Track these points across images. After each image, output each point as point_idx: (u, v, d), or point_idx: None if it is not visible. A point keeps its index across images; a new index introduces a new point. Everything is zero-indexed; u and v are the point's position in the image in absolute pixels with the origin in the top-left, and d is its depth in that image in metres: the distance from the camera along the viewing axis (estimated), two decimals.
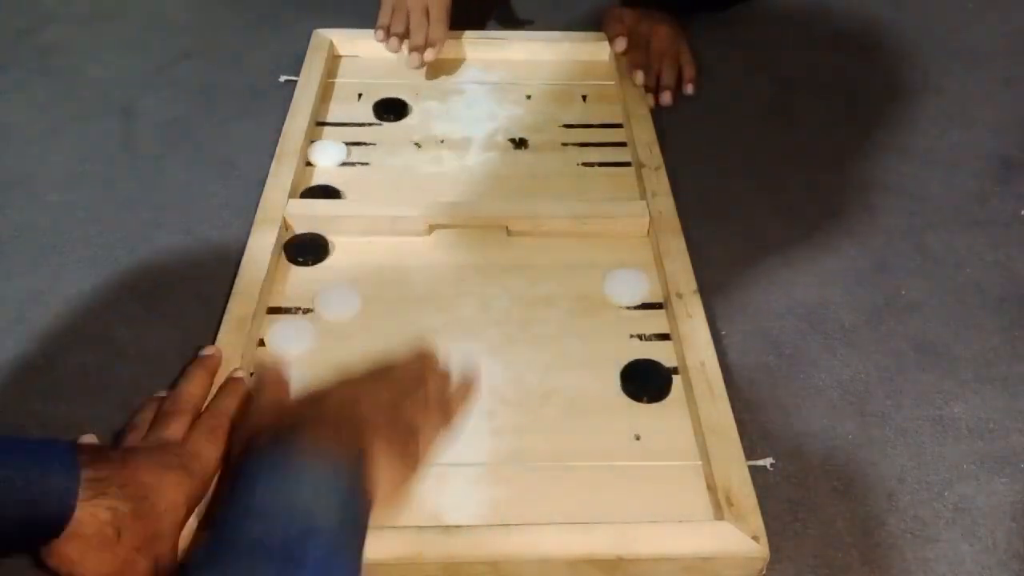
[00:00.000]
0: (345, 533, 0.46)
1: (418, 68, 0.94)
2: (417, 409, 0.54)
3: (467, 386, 0.59)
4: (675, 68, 0.96)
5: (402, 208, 0.77)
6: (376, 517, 0.49)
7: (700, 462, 0.60)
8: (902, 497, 0.60)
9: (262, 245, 0.73)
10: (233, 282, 0.70)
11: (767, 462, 0.61)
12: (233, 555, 0.43)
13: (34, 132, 0.89)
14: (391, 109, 0.91)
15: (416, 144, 0.88)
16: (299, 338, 0.68)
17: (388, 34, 0.95)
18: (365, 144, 0.87)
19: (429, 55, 0.93)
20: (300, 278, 0.73)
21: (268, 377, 0.57)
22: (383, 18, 0.96)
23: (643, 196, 0.80)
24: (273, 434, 0.49)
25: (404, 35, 0.94)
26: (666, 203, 0.78)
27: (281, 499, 0.45)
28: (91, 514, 0.48)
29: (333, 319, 0.69)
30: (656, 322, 0.70)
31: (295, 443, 0.48)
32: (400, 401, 0.54)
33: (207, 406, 0.60)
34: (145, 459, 0.52)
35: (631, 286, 0.73)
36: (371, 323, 0.69)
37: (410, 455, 0.52)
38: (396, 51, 0.94)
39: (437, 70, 0.96)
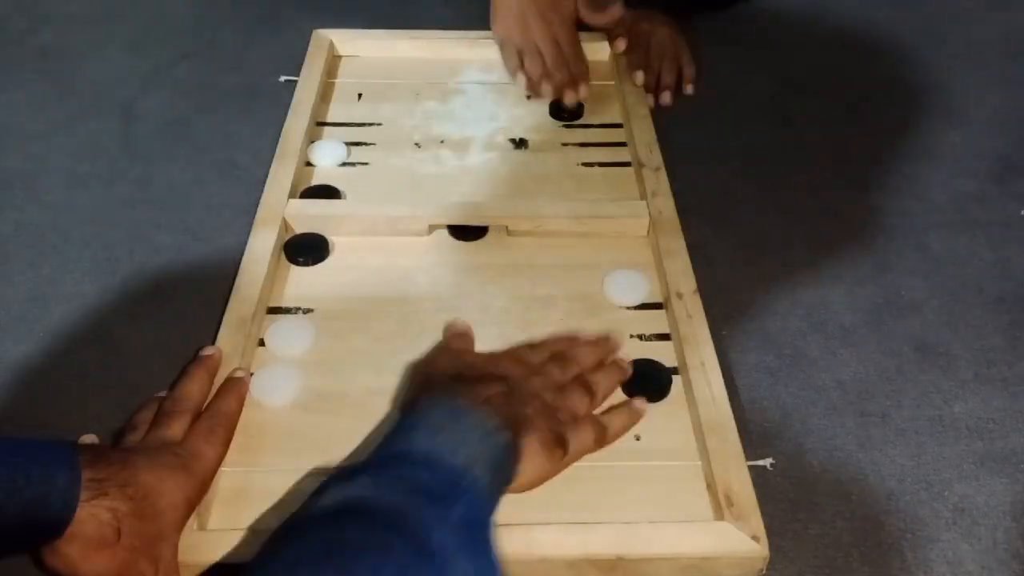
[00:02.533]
0: (493, 482, 0.49)
1: (573, 104, 0.90)
2: (575, 418, 0.58)
3: (631, 415, 0.61)
4: (675, 68, 0.96)
5: (402, 208, 0.77)
6: (511, 489, 0.53)
7: (700, 462, 0.60)
8: (902, 497, 0.61)
9: (262, 245, 0.73)
10: (233, 282, 0.70)
11: (767, 462, 0.61)
12: (399, 470, 0.46)
13: (34, 132, 0.90)
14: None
15: (416, 144, 0.88)
16: (300, 337, 0.68)
17: (530, 81, 0.91)
18: (365, 144, 0.87)
19: (584, 91, 0.90)
20: (300, 278, 0.73)
21: (458, 327, 0.66)
22: (511, 61, 0.92)
23: (643, 196, 0.80)
24: (453, 378, 0.56)
25: (544, 74, 0.90)
26: (666, 203, 0.78)
27: (450, 435, 0.49)
28: (91, 514, 0.48)
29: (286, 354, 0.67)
30: (656, 322, 0.70)
31: (471, 394, 0.53)
32: (562, 404, 0.58)
33: (207, 406, 0.60)
34: (145, 459, 0.52)
35: (631, 286, 0.73)
36: (371, 323, 0.69)
37: (554, 458, 0.55)
38: (552, 98, 0.90)
39: (438, 70, 0.96)
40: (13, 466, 0.46)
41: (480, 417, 0.51)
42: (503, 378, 0.57)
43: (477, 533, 0.46)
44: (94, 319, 0.71)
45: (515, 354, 0.62)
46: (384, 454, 0.50)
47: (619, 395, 0.64)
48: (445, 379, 0.58)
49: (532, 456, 0.53)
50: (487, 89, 0.95)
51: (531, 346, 0.63)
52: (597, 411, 0.61)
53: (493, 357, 0.61)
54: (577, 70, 0.91)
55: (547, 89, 0.90)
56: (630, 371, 0.64)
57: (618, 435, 0.60)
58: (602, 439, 0.58)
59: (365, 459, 0.49)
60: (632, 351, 0.68)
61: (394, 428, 0.52)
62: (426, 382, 0.59)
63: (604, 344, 0.65)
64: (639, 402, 0.61)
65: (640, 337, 0.69)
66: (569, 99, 0.90)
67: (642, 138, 0.86)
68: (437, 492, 0.45)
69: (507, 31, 0.93)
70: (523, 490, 0.54)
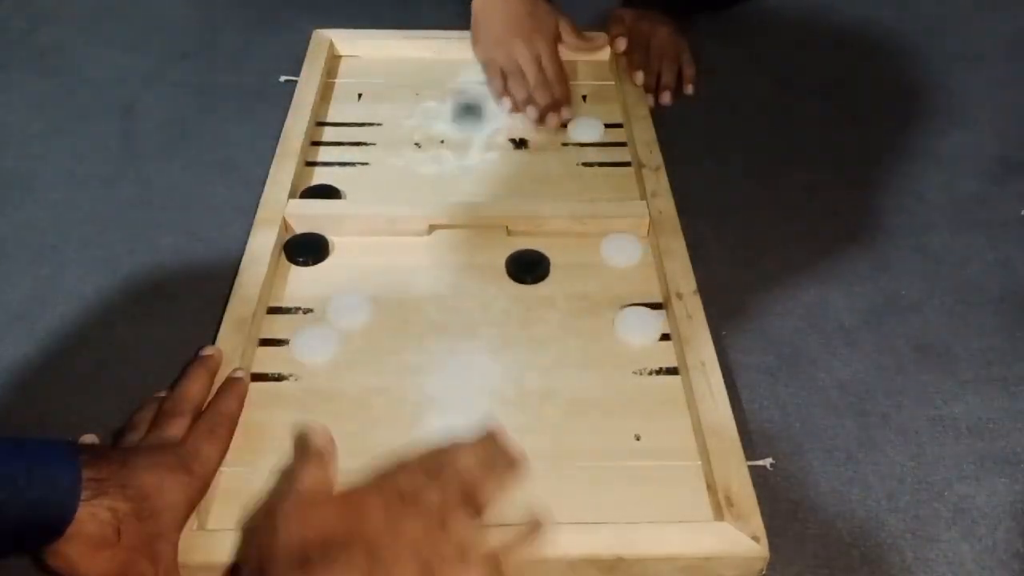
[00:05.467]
0: None
1: (555, 128, 0.89)
2: (462, 554, 0.46)
3: (532, 534, 0.50)
4: (675, 68, 0.96)
5: (402, 208, 0.77)
6: None
7: (700, 462, 0.60)
8: (902, 497, 0.61)
9: (262, 245, 0.73)
10: (233, 282, 0.70)
11: (767, 462, 0.61)
12: None
13: (34, 132, 0.90)
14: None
15: (416, 144, 0.88)
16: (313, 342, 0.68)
17: (517, 102, 0.90)
18: (365, 144, 0.87)
19: (566, 115, 0.89)
20: (300, 278, 0.73)
21: (316, 444, 0.51)
22: (496, 84, 0.92)
23: (643, 196, 0.80)
24: (297, 565, 0.44)
25: (527, 99, 0.90)
26: (666, 203, 0.78)
27: None
28: (91, 514, 0.48)
29: (345, 327, 0.69)
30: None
31: None
32: (442, 548, 0.46)
33: (207, 406, 0.60)
34: (145, 459, 0.52)
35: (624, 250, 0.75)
36: (370, 323, 0.69)
37: None
38: (538, 122, 0.89)
39: (438, 70, 0.96)
40: (14, 466, 0.46)
41: None
42: (364, 540, 0.45)
43: None
44: (94, 319, 0.71)
45: (386, 484, 0.49)
46: None
47: None
48: (287, 560, 0.45)
49: None
50: (487, 89, 0.95)
51: (403, 467, 0.50)
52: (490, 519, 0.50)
53: (353, 505, 0.47)
54: (560, 93, 0.90)
55: (532, 113, 0.89)
56: (521, 463, 0.52)
57: (517, 567, 0.49)
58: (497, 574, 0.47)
59: None
60: (632, 351, 0.68)
61: None
62: (264, 563, 0.46)
63: (487, 442, 0.52)
64: (541, 520, 0.51)
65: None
66: (551, 123, 0.89)
67: (642, 138, 0.86)
68: None
69: (490, 53, 0.93)
70: None
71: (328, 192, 0.80)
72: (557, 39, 0.94)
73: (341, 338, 0.68)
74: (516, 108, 0.91)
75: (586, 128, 0.88)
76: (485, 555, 0.47)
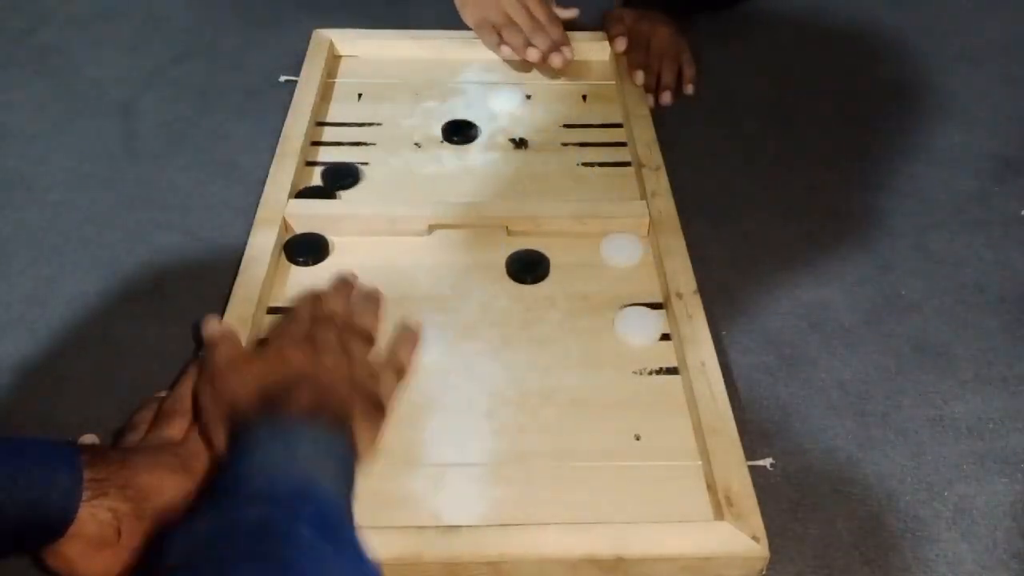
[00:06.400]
0: (344, 486, 0.48)
1: (562, 67, 0.92)
2: (367, 368, 0.57)
3: (409, 337, 0.62)
4: (675, 68, 0.96)
5: (402, 208, 0.77)
6: (361, 468, 0.51)
7: (700, 462, 0.60)
8: (902, 497, 0.61)
9: (262, 245, 0.73)
10: (233, 282, 0.70)
11: (767, 462, 0.61)
12: (237, 503, 0.44)
13: (34, 132, 0.90)
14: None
15: (416, 144, 0.88)
16: None
17: (515, 47, 0.92)
18: (365, 144, 0.87)
19: (568, 53, 0.92)
20: (300, 278, 0.73)
21: (215, 329, 0.58)
22: (491, 38, 0.94)
23: (643, 196, 0.80)
24: (260, 398, 0.52)
25: (526, 42, 0.92)
26: (666, 203, 0.78)
27: (282, 460, 0.47)
28: (91, 515, 0.48)
29: None
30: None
31: (290, 406, 0.51)
32: (355, 366, 0.56)
33: None
34: (145, 459, 0.52)
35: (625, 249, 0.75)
36: None
37: (380, 422, 0.55)
38: (538, 60, 0.91)
39: (438, 70, 0.96)
40: (14, 466, 0.46)
41: (308, 432, 0.49)
42: (300, 375, 0.54)
43: (335, 531, 0.44)
44: (94, 319, 0.71)
45: (286, 336, 0.58)
46: (223, 483, 0.47)
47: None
48: (253, 402, 0.52)
49: (363, 432, 0.53)
50: (487, 89, 0.95)
51: (288, 321, 0.60)
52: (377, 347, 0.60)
53: (275, 356, 0.56)
54: (557, 35, 0.93)
55: (534, 53, 0.91)
56: (379, 295, 0.64)
57: (408, 360, 0.60)
58: (400, 372, 0.59)
59: (202, 500, 0.47)
60: (632, 350, 0.68)
61: (225, 480, 0.47)
62: (232, 412, 0.53)
63: (343, 282, 0.64)
64: (410, 322, 0.62)
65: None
66: (556, 61, 0.91)
67: (642, 138, 0.86)
68: (284, 512, 0.43)
69: (480, 11, 0.95)
70: (375, 446, 0.54)
71: (325, 191, 0.80)
72: None
73: None
74: (517, 52, 0.92)
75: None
76: (385, 363, 0.59)
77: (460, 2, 0.96)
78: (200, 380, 0.56)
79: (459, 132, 0.88)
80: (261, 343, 0.61)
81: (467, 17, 0.96)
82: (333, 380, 0.54)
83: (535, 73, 0.97)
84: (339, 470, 0.48)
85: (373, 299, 0.64)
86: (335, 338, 0.58)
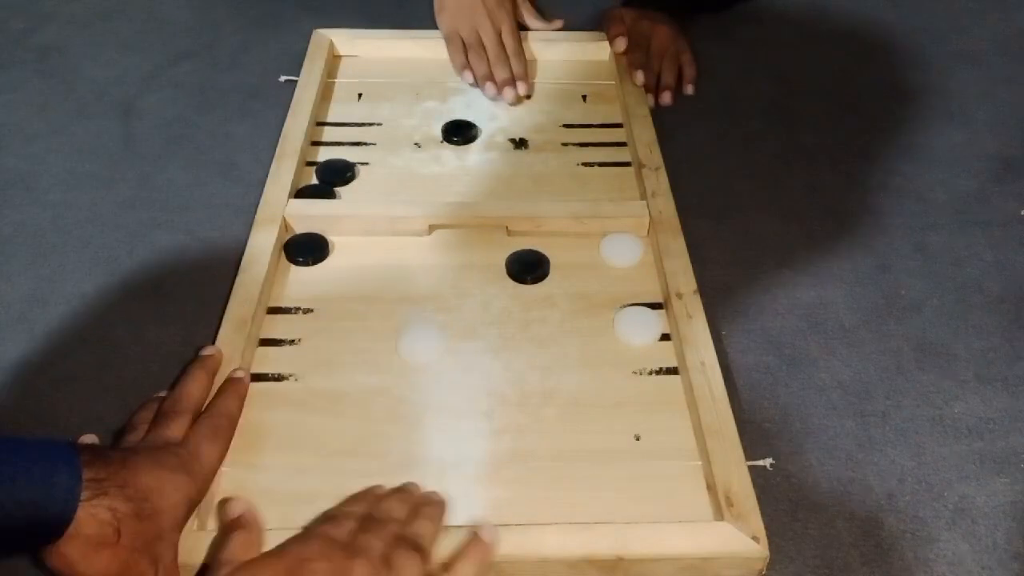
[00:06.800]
0: None
1: (514, 103, 0.92)
2: None
3: (481, 552, 0.52)
4: (675, 68, 0.96)
5: (402, 208, 0.77)
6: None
7: (700, 462, 0.60)
8: (902, 497, 0.61)
9: (262, 245, 0.73)
10: (233, 282, 0.70)
11: (767, 462, 0.61)
12: None
13: (34, 132, 0.89)
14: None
15: (416, 144, 0.88)
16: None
17: (478, 76, 0.93)
18: (365, 144, 0.87)
19: (522, 90, 0.92)
20: (300, 278, 0.73)
21: (235, 512, 0.52)
22: (457, 56, 0.95)
23: (643, 196, 0.80)
24: None
25: (487, 75, 0.93)
26: (666, 203, 0.78)
27: None
28: (91, 515, 0.48)
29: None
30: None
31: None
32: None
33: (207, 406, 0.60)
34: (145, 459, 0.52)
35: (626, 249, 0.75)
36: (371, 324, 0.69)
37: None
38: (495, 96, 0.92)
39: (438, 70, 0.96)
40: (13, 466, 0.46)
41: None
42: None
43: None
44: (94, 319, 0.71)
45: (321, 538, 0.50)
46: None
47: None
48: None
49: None
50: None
51: (334, 517, 0.53)
52: (441, 556, 0.52)
53: (298, 556, 0.48)
54: (518, 69, 0.93)
55: (491, 89, 0.92)
56: (444, 504, 0.55)
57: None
58: None
59: None
60: (632, 350, 0.68)
61: None
62: None
63: (409, 491, 0.56)
64: (487, 531, 0.53)
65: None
66: (508, 96, 0.92)
67: (642, 138, 0.86)
68: None
69: (454, 23, 0.95)
70: None
71: (324, 191, 0.80)
72: (515, 14, 0.97)
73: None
74: (478, 82, 0.93)
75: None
76: None
77: (438, 7, 0.97)
78: (212, 568, 0.50)
79: (459, 132, 0.88)
80: (294, 539, 0.50)
81: (441, 24, 0.97)
82: None
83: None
84: None
85: (438, 506, 0.55)
86: (381, 547, 0.49)
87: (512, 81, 0.92)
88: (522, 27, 1.00)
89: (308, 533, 0.51)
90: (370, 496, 0.55)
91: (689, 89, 0.96)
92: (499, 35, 0.94)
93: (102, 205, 0.81)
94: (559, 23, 1.02)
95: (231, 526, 0.52)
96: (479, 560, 0.52)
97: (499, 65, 0.92)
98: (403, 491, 0.55)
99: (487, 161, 0.86)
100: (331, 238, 0.76)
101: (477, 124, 0.89)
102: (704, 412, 0.61)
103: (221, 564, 0.49)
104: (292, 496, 0.57)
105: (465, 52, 0.94)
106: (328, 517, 0.53)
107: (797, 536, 0.58)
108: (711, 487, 0.58)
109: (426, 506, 0.54)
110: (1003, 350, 0.71)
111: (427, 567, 0.50)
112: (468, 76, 0.94)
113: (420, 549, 0.51)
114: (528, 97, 0.93)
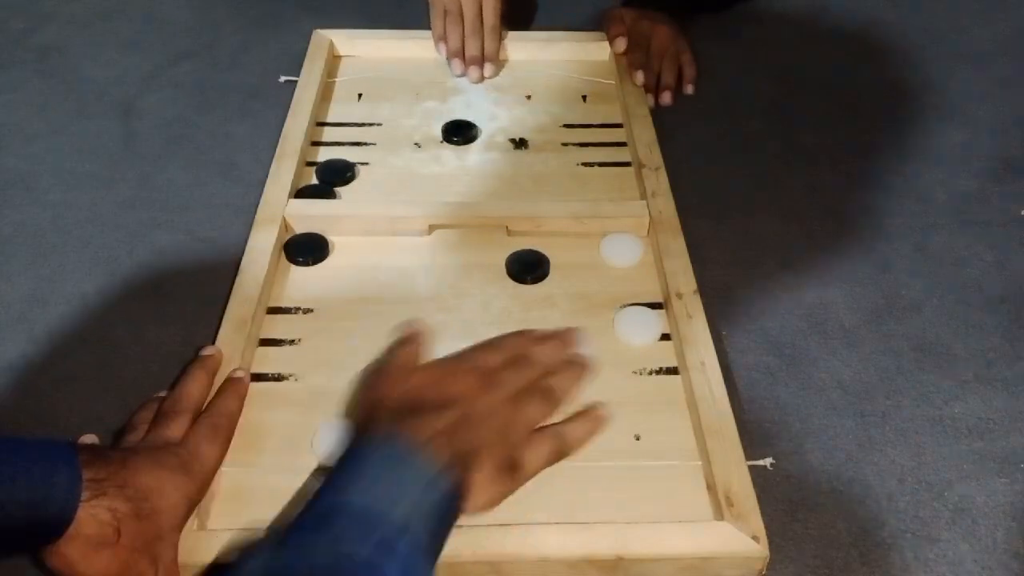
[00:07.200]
0: (432, 537, 0.47)
1: (477, 82, 0.92)
2: (531, 431, 0.54)
3: (592, 423, 0.58)
4: (675, 68, 0.96)
5: (402, 208, 0.77)
6: (461, 520, 0.50)
7: (700, 462, 0.60)
8: (902, 497, 0.61)
9: (262, 245, 0.73)
10: (233, 282, 0.70)
11: (767, 462, 0.61)
12: (330, 531, 0.44)
13: (34, 132, 0.90)
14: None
15: (416, 144, 0.88)
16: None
17: (449, 50, 0.93)
18: (365, 144, 0.87)
19: (488, 71, 0.92)
20: (300, 278, 0.73)
21: (409, 331, 0.60)
22: (437, 26, 0.95)
23: (643, 196, 0.80)
24: (399, 408, 0.52)
25: (457, 50, 0.93)
26: (666, 203, 0.78)
27: (388, 487, 0.46)
28: (90, 515, 0.48)
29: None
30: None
31: (418, 431, 0.49)
32: (518, 417, 0.54)
33: (207, 406, 0.60)
34: (145, 459, 0.52)
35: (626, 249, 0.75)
36: (371, 323, 0.69)
37: (507, 483, 0.52)
38: (460, 74, 0.93)
39: (438, 70, 0.96)
40: (13, 466, 0.46)
41: (424, 462, 0.48)
42: (455, 401, 0.52)
43: None
44: (94, 319, 0.71)
45: (471, 361, 0.57)
46: (319, 509, 0.46)
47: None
48: (391, 409, 0.52)
49: (484, 485, 0.51)
50: (487, 89, 0.95)
51: (490, 346, 0.59)
52: (557, 417, 0.57)
53: (447, 371, 0.56)
54: (490, 48, 0.93)
55: (457, 66, 0.93)
56: (592, 368, 0.60)
57: (577, 446, 0.56)
58: (560, 452, 0.55)
59: (299, 514, 0.46)
60: (631, 350, 0.68)
61: (334, 474, 0.48)
62: (372, 411, 0.53)
63: (565, 338, 0.61)
64: (601, 410, 0.58)
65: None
66: (473, 76, 0.92)
67: (642, 138, 0.86)
68: (369, 557, 0.43)
69: None
70: (486, 508, 0.52)
71: (324, 191, 0.80)
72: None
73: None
74: (448, 55, 0.94)
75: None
76: (551, 435, 0.55)
77: None
78: (370, 372, 0.58)
79: (459, 132, 0.88)
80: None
81: None
82: (484, 422, 0.52)
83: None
84: (436, 523, 0.47)
85: (582, 368, 0.59)
86: (516, 387, 0.55)
87: (480, 60, 0.92)
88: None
89: (464, 354, 0.58)
90: (533, 335, 0.60)
91: (689, 89, 0.96)
92: (479, 7, 0.93)
93: (102, 205, 0.81)
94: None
95: (402, 337, 0.60)
96: (591, 428, 0.57)
97: (472, 39, 0.92)
98: (561, 340, 0.60)
99: (487, 161, 0.86)
100: (331, 238, 0.76)
101: (477, 124, 0.89)
102: (704, 412, 0.61)
103: (388, 363, 0.57)
104: (292, 496, 0.57)
105: (444, 19, 0.94)
106: (489, 344, 0.59)
107: (797, 536, 0.58)
108: (711, 487, 0.58)
109: (573, 363, 0.59)
110: (1003, 350, 0.71)
111: (549, 417, 0.56)
112: (443, 49, 0.94)
113: (551, 400, 0.56)
114: (494, 76, 0.94)
